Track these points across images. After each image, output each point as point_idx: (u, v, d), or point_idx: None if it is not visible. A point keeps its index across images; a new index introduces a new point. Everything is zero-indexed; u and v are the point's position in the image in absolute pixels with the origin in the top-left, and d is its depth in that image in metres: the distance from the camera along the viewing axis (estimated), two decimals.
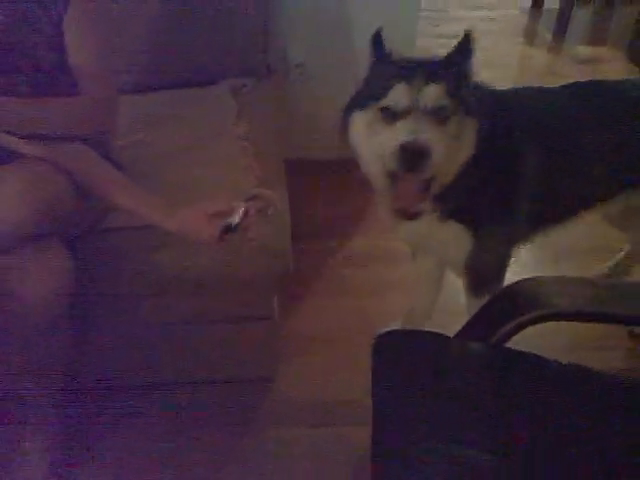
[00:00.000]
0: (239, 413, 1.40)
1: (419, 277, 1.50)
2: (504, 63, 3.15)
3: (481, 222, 1.13)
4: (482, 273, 1.22)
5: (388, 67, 1.02)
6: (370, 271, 1.84)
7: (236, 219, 1.06)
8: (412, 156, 0.91)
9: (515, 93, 1.23)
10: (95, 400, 1.39)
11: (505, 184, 1.13)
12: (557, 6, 3.36)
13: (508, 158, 1.12)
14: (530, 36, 3.56)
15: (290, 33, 1.98)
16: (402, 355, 0.90)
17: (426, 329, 0.95)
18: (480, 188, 1.09)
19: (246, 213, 1.08)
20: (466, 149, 1.01)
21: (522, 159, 1.12)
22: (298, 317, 1.66)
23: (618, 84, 1.30)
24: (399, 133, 0.93)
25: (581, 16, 3.59)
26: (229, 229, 1.06)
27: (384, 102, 0.96)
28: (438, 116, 0.95)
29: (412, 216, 1.00)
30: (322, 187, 2.15)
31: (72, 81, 1.14)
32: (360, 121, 1.03)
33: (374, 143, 1.00)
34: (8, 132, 1.04)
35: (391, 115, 0.96)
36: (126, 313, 1.29)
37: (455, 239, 1.14)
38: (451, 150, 0.97)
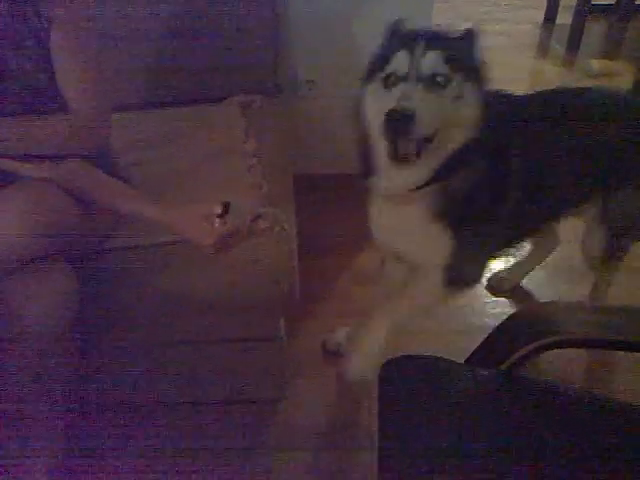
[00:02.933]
0: (244, 435, 1.38)
1: (386, 285, 1.49)
2: (516, 77, 3.13)
3: (463, 225, 1.13)
4: (458, 276, 1.21)
5: (396, 38, 1.07)
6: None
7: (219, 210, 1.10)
8: (397, 121, 0.93)
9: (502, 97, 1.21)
10: (99, 420, 1.38)
11: (489, 188, 1.13)
12: (570, 20, 3.34)
13: (495, 161, 1.12)
14: (543, 50, 3.54)
15: (300, 50, 1.98)
16: (410, 382, 0.88)
17: (434, 355, 0.92)
18: (468, 191, 1.10)
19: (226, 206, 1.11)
20: (469, 113, 1.02)
21: (507, 162, 1.14)
22: (307, 337, 1.63)
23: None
24: (391, 99, 0.96)
25: (594, 30, 3.57)
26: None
27: (387, 70, 1.01)
28: (435, 82, 0.97)
29: (403, 159, 1.00)
30: (332, 202, 2.13)
31: (63, 99, 1.14)
32: (368, 92, 1.06)
33: (375, 110, 1.02)
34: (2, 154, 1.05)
35: (392, 82, 1.00)
36: (130, 333, 1.27)
37: (435, 241, 1.15)
38: (451, 114, 1.00)
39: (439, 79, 0.98)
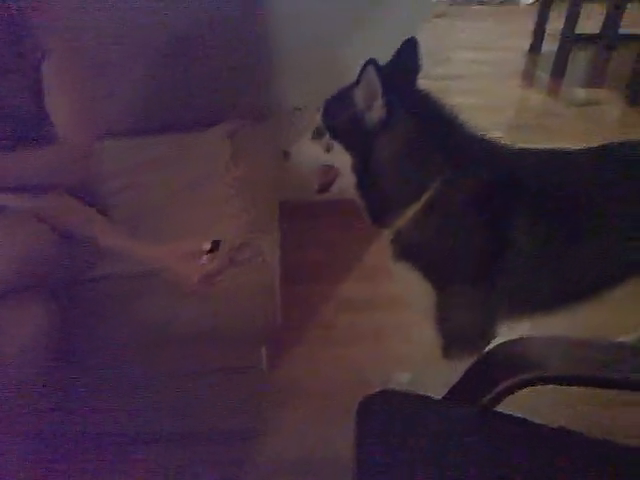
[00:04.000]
0: (223, 469, 1.35)
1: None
2: (502, 105, 3.18)
3: (446, 278, 1.14)
4: (455, 335, 1.20)
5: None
6: (365, 318, 1.80)
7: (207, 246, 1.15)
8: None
9: (518, 152, 1.17)
10: (79, 453, 1.35)
11: (481, 246, 1.12)
12: (555, 49, 3.40)
13: (488, 222, 1.11)
14: (528, 78, 3.59)
15: (288, 76, 1.99)
16: (387, 418, 0.87)
17: (412, 391, 0.91)
18: (445, 242, 1.12)
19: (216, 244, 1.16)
20: (337, 162, 1.16)
21: (507, 226, 1.09)
22: (289, 366, 1.61)
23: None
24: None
25: (580, 58, 3.64)
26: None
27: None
28: (317, 134, 1.17)
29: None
30: (317, 230, 2.13)
31: (52, 129, 1.14)
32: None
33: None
34: None
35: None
36: (110, 365, 1.26)
37: (414, 286, 1.17)
38: (326, 158, 1.18)
39: (319, 132, 1.17)
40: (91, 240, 1.17)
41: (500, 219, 1.10)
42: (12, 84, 1.11)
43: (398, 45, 1.17)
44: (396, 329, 1.74)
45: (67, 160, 1.14)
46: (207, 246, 1.12)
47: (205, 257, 1.13)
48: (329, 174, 1.21)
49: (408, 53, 1.16)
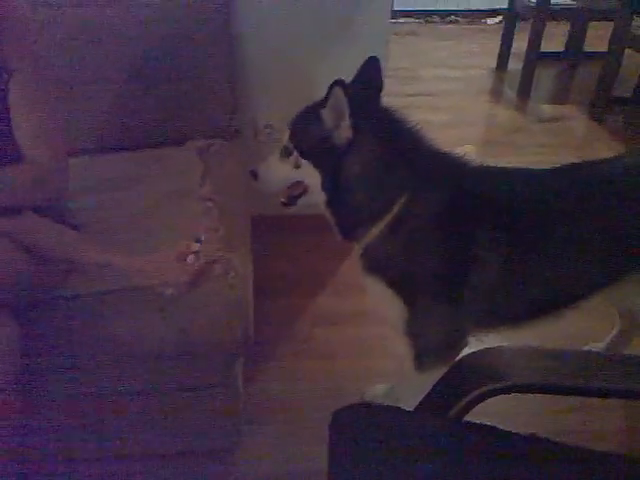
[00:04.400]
0: None
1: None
2: (471, 121, 3.25)
3: (414, 293, 1.16)
4: (426, 347, 1.21)
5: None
6: (340, 331, 1.81)
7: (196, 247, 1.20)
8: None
9: (482, 168, 1.19)
10: (46, 474, 1.32)
11: (448, 261, 1.13)
12: (520, 66, 3.49)
13: (453, 237, 1.13)
14: (496, 95, 3.68)
15: (259, 94, 2.01)
16: (360, 431, 0.87)
17: (385, 403, 0.92)
18: (412, 257, 1.14)
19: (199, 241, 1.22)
20: (306, 179, 1.19)
21: (472, 241, 1.11)
22: (264, 380, 1.60)
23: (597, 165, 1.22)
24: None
25: (544, 75, 3.74)
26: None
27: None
28: (286, 153, 1.18)
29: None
30: (290, 244, 2.14)
31: (20, 151, 1.13)
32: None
33: None
34: None
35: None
36: (78, 384, 1.23)
37: (385, 300, 1.19)
38: (295, 175, 1.20)
39: (287, 151, 1.19)
40: (67, 259, 1.17)
41: (465, 234, 1.12)
42: None
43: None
44: (371, 342, 1.75)
45: (34, 179, 1.12)
46: (195, 247, 1.18)
47: (190, 257, 1.17)
48: (296, 188, 1.23)
49: (371, 71, 1.19)
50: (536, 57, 3.37)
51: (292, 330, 1.81)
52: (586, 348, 1.62)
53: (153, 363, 1.22)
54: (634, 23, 2.98)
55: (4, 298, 1.03)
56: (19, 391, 1.08)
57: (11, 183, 1.10)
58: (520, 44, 3.52)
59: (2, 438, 1.09)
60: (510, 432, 0.88)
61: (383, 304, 1.22)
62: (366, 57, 1.20)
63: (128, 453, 1.38)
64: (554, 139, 3.03)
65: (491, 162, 1.20)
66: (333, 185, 1.14)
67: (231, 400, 1.32)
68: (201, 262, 1.18)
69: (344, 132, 1.09)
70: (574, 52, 3.85)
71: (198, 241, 1.20)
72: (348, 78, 1.15)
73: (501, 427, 0.88)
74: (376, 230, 1.14)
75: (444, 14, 4.92)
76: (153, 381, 1.26)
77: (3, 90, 1.11)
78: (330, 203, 1.17)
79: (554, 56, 3.85)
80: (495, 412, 0.95)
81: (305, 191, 1.23)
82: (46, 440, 1.29)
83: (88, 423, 1.31)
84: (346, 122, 1.08)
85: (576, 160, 1.24)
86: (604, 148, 2.90)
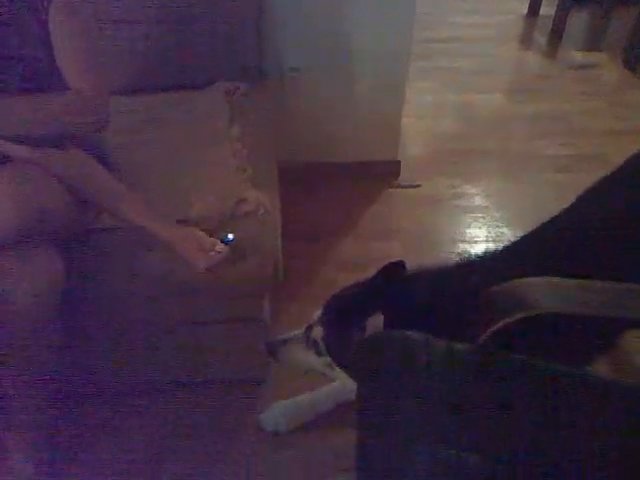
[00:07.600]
0: (228, 415, 1.39)
1: None
2: (499, 69, 3.16)
3: None
4: None
5: None
6: (364, 276, 1.82)
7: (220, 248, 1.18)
8: None
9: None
10: (82, 403, 1.39)
11: None
12: (553, 12, 3.37)
13: None
14: (526, 42, 3.57)
15: (285, 37, 1.98)
16: (385, 357, 0.89)
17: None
18: None
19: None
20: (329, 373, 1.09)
21: None
22: (288, 322, 1.63)
23: None
24: None
25: (577, 22, 3.61)
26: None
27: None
28: (315, 348, 1.07)
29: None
30: (315, 190, 2.14)
31: (62, 78, 1.14)
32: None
33: None
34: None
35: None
36: (114, 315, 1.28)
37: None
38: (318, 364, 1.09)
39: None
40: (107, 209, 1.21)
41: None
42: (21, 35, 1.11)
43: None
44: None
45: (79, 107, 1.13)
46: (220, 247, 1.17)
47: (220, 246, 1.18)
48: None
49: None
50: (570, 2, 3.24)
51: (317, 274, 1.83)
52: None
53: (186, 297, 1.26)
54: None
55: (42, 228, 1.06)
56: (60, 321, 1.13)
57: (54, 109, 1.11)
58: None
59: (50, 354, 1.15)
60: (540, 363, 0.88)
61: None
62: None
63: (156, 384, 1.44)
64: (585, 87, 2.95)
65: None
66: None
67: (260, 334, 1.36)
68: (221, 257, 1.18)
69: None
70: None
71: (224, 241, 1.20)
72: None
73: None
74: None
75: None
76: (186, 313, 1.31)
77: (44, 17, 1.11)
78: None
79: (588, 1, 3.69)
80: None
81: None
82: (80, 372, 1.35)
83: (122, 356, 1.37)
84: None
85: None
86: (637, 97, 2.81)
